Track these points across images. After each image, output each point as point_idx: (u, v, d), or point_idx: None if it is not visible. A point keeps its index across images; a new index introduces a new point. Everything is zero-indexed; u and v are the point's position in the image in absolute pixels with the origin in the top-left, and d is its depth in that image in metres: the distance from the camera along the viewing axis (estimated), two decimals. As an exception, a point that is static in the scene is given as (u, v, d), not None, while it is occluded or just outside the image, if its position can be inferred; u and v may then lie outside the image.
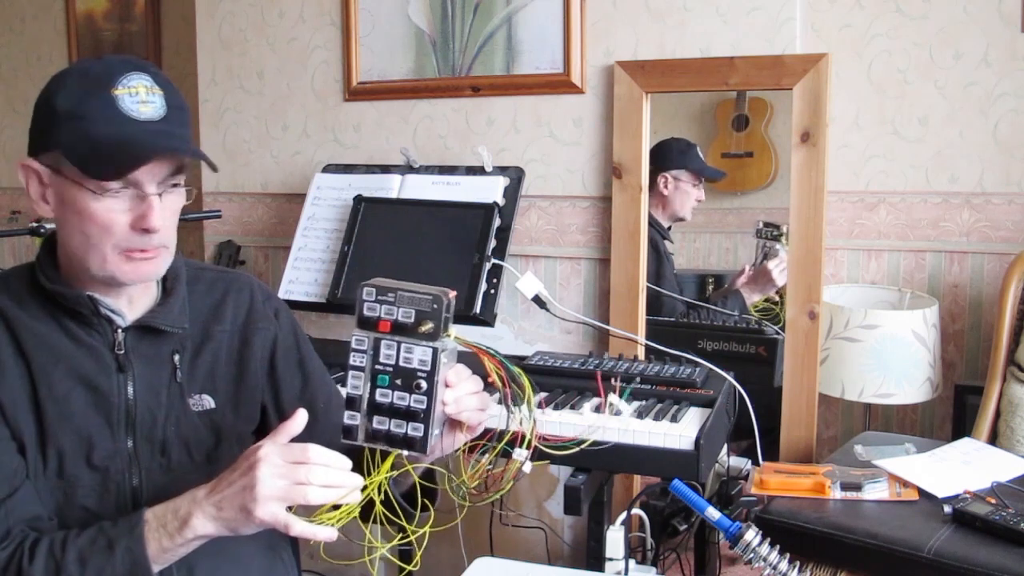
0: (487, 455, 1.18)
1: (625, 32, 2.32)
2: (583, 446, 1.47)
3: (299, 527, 1.08)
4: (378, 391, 1.11)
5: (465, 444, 1.19)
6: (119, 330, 1.23)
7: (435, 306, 1.09)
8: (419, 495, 1.24)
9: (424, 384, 1.10)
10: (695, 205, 2.50)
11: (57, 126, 1.15)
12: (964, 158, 2.34)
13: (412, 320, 1.10)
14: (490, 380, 1.18)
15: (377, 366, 1.11)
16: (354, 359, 1.12)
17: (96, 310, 1.21)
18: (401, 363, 1.11)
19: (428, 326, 1.10)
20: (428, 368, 1.10)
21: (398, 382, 1.11)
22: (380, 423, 1.12)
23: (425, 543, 1.18)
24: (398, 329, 1.11)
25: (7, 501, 1.15)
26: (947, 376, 2.35)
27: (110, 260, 1.17)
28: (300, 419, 1.15)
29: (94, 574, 1.10)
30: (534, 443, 1.18)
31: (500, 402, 1.19)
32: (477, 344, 1.15)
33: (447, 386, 1.12)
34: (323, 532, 1.10)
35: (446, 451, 1.21)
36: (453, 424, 1.17)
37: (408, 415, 1.11)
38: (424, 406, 1.10)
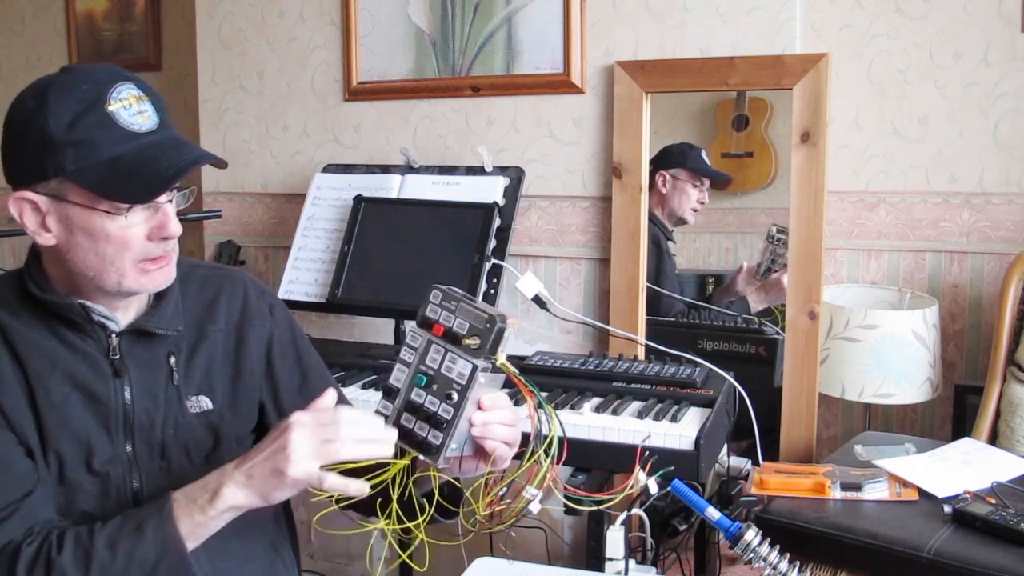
0: (499, 483, 1.18)
1: (625, 32, 2.32)
2: (603, 506, 1.44)
3: (331, 481, 1.09)
4: (415, 390, 1.14)
5: (487, 474, 1.18)
6: (113, 335, 1.22)
7: (487, 325, 1.11)
8: (413, 501, 1.23)
9: (456, 396, 1.12)
10: (697, 207, 2.49)
11: (55, 153, 1.11)
12: (964, 158, 2.34)
13: (464, 332, 1.13)
14: (528, 415, 1.18)
15: (422, 366, 1.14)
16: (404, 353, 1.16)
17: (89, 317, 1.20)
18: (443, 370, 1.13)
19: (474, 341, 1.12)
20: (464, 382, 1.12)
21: (434, 387, 1.13)
22: (407, 420, 1.14)
23: (418, 540, 1.18)
24: (450, 337, 1.13)
25: (26, 500, 1.15)
26: (947, 376, 2.35)
27: (128, 275, 1.17)
28: (329, 397, 1.15)
29: (126, 557, 1.09)
30: (547, 484, 1.18)
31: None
32: (519, 375, 1.15)
33: (480, 408, 1.13)
34: (355, 485, 1.10)
35: (466, 474, 1.21)
36: (480, 451, 1.17)
37: (433, 421, 1.13)
38: (450, 417, 1.12)
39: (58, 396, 1.19)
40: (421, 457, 1.13)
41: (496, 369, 1.14)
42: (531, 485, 1.17)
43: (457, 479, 1.24)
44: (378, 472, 1.15)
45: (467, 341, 1.12)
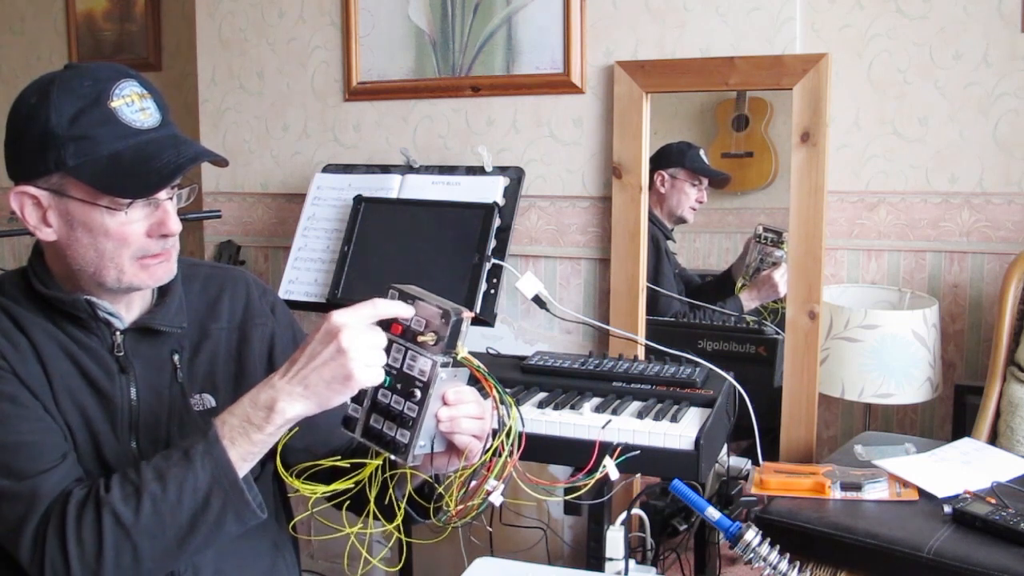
0: (458, 479, 1.17)
1: (625, 32, 2.32)
2: (569, 496, 1.44)
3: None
4: (380, 390, 1.13)
5: (460, 469, 1.18)
6: (117, 332, 1.23)
7: (442, 320, 1.11)
8: (390, 497, 1.23)
9: (418, 393, 1.11)
10: (696, 206, 2.49)
11: (57, 148, 1.12)
12: (964, 158, 2.34)
13: (422, 329, 1.12)
14: (493, 407, 1.18)
15: (384, 366, 1.13)
16: None
17: (94, 313, 1.20)
18: (405, 368, 1.12)
19: (431, 337, 1.11)
20: (425, 379, 1.11)
21: (398, 386, 1.12)
22: (376, 421, 1.14)
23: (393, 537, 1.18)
24: (408, 335, 1.13)
25: (70, 453, 1.16)
26: (947, 376, 2.35)
27: (127, 271, 1.17)
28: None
29: (176, 486, 1.07)
30: (507, 473, 1.17)
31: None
32: (480, 368, 1.15)
33: (445, 403, 1.13)
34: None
35: (440, 470, 1.21)
36: (452, 446, 1.16)
37: (399, 420, 1.12)
38: (415, 415, 1.11)
39: (71, 381, 1.19)
40: (392, 457, 1.13)
41: (458, 363, 1.13)
42: (491, 477, 1.17)
43: (437, 477, 1.24)
44: (354, 472, 1.16)
45: (425, 338, 1.11)
